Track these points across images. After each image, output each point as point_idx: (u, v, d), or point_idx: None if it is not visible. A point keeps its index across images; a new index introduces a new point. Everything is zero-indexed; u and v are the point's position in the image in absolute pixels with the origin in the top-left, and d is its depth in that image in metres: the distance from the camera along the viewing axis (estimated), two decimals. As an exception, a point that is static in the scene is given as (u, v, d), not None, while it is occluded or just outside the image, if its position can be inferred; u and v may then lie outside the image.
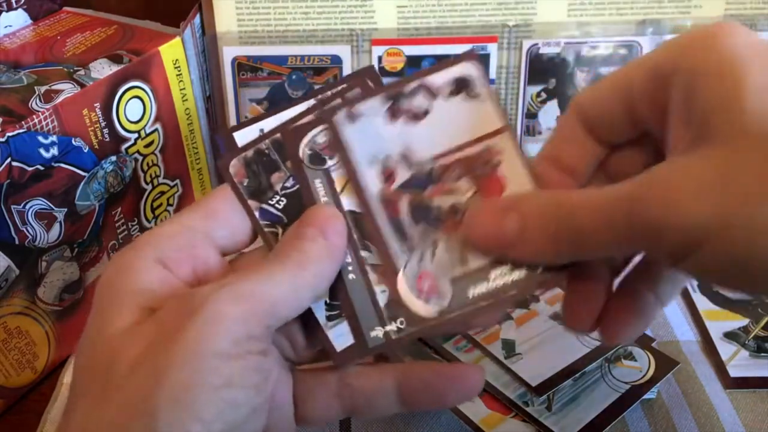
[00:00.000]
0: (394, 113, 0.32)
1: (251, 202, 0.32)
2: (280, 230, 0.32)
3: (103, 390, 0.26)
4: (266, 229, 0.32)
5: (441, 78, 0.32)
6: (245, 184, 0.32)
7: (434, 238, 0.32)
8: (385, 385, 0.32)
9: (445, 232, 0.32)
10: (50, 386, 0.46)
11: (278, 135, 0.33)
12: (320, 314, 0.31)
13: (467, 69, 0.32)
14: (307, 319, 0.31)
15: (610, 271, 0.32)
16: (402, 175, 0.32)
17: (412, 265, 0.32)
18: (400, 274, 0.32)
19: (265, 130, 0.33)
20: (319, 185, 0.32)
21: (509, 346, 0.44)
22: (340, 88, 0.34)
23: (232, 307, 0.26)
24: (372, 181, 0.32)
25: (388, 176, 0.32)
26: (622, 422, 0.42)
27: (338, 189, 0.32)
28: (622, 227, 0.26)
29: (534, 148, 0.58)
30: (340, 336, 0.31)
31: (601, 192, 0.27)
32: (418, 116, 0.32)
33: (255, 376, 0.27)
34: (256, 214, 0.32)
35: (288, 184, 0.32)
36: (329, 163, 0.32)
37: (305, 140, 0.32)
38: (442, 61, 0.33)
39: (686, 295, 0.51)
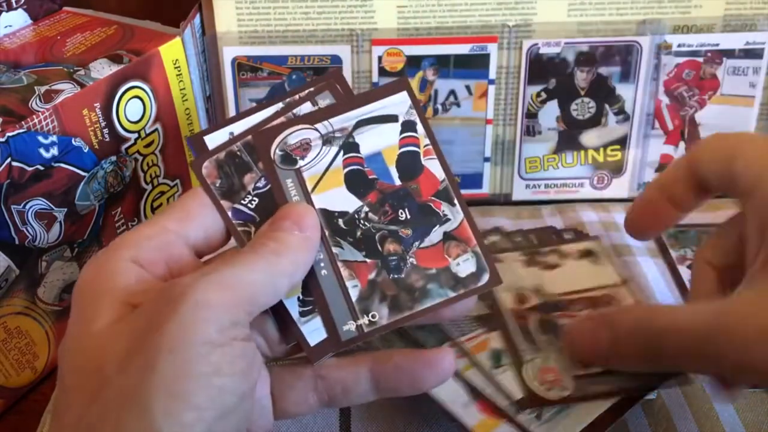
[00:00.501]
0: (530, 262, 0.40)
1: (224, 202, 0.33)
2: (252, 229, 0.33)
3: (94, 387, 0.26)
4: (239, 228, 0.33)
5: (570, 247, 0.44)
6: (217, 184, 0.33)
7: (558, 346, 0.41)
8: (359, 375, 0.33)
9: None
10: (50, 386, 0.46)
11: (249, 137, 0.34)
12: (293, 310, 0.32)
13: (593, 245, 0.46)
14: (280, 315, 0.32)
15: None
16: (533, 301, 0.41)
17: (536, 362, 0.41)
18: (525, 366, 0.41)
19: (236, 133, 0.34)
20: (290, 185, 0.33)
21: (496, 357, 0.44)
22: (306, 91, 0.35)
23: (214, 295, 0.27)
24: (507, 302, 0.40)
25: (521, 300, 0.40)
26: (622, 423, 0.42)
27: (309, 188, 0.33)
28: (700, 356, 0.31)
29: (534, 147, 0.58)
30: (313, 331, 0.32)
31: (687, 318, 0.31)
32: (550, 267, 0.42)
33: (241, 362, 0.27)
34: (229, 213, 0.33)
35: (260, 185, 0.33)
36: (300, 163, 0.34)
37: (276, 141, 0.34)
38: None
39: (686, 296, 0.51)
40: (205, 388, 0.26)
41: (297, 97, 0.35)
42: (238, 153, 0.34)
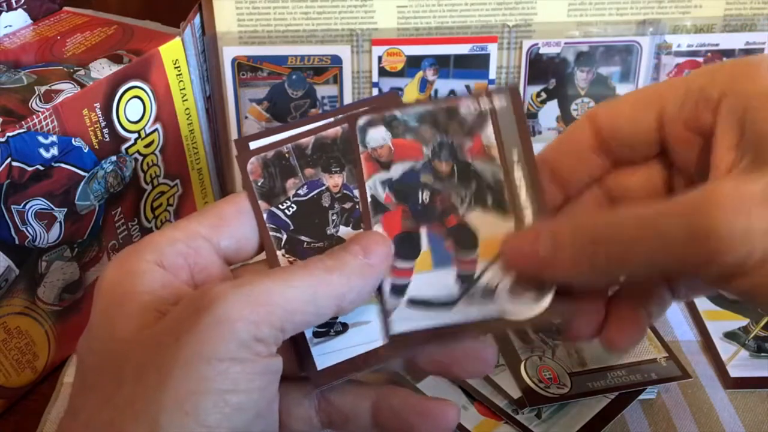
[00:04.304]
0: None
1: (261, 203, 0.32)
2: (284, 236, 0.32)
3: (110, 392, 0.26)
4: (271, 233, 0.32)
5: None
6: (259, 183, 0.32)
7: (553, 345, 0.44)
8: (360, 408, 0.32)
9: (562, 340, 0.44)
10: (50, 386, 0.46)
11: (301, 141, 0.32)
12: (308, 329, 0.31)
13: None
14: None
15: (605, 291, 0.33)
16: None
17: (533, 360, 0.43)
18: (522, 364, 0.43)
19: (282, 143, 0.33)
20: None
21: None
22: (360, 111, 0.33)
23: (240, 310, 0.26)
24: None
25: None
26: (622, 422, 0.42)
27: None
28: (675, 239, 0.25)
29: (534, 147, 0.58)
30: (323, 355, 0.30)
31: (649, 206, 0.27)
32: None
33: (261, 379, 0.26)
34: (264, 215, 0.32)
35: (301, 192, 0.32)
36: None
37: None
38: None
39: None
40: (219, 406, 0.25)
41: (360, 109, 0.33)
42: (287, 155, 0.32)
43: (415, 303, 0.31)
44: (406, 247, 0.32)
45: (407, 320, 0.31)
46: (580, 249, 0.28)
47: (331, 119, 0.32)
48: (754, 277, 0.24)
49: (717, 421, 0.42)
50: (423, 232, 0.32)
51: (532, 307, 0.30)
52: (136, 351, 0.26)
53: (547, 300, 0.30)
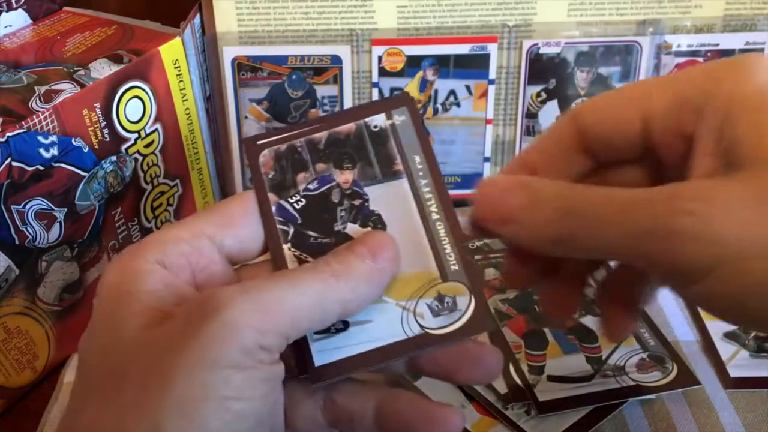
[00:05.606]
0: None
1: (271, 196, 0.32)
2: (291, 229, 0.32)
3: (115, 392, 0.26)
4: (278, 226, 0.32)
5: None
6: (270, 176, 0.32)
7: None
8: (366, 408, 0.31)
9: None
10: (50, 386, 0.46)
11: (314, 135, 0.32)
12: None
13: None
14: None
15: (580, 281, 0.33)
16: None
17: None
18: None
19: (287, 145, 0.33)
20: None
21: None
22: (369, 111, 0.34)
23: (247, 317, 0.25)
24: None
25: None
26: (622, 422, 0.42)
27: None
28: (638, 229, 0.25)
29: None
30: (323, 351, 0.30)
31: (626, 190, 0.26)
32: None
33: (264, 386, 0.26)
34: (273, 208, 0.32)
35: (311, 186, 0.32)
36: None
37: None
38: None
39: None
40: (221, 412, 0.25)
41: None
42: (299, 149, 0.32)
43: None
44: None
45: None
46: (556, 214, 0.27)
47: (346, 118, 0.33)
48: (714, 286, 0.24)
49: (717, 421, 0.42)
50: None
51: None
52: (140, 353, 0.26)
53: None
